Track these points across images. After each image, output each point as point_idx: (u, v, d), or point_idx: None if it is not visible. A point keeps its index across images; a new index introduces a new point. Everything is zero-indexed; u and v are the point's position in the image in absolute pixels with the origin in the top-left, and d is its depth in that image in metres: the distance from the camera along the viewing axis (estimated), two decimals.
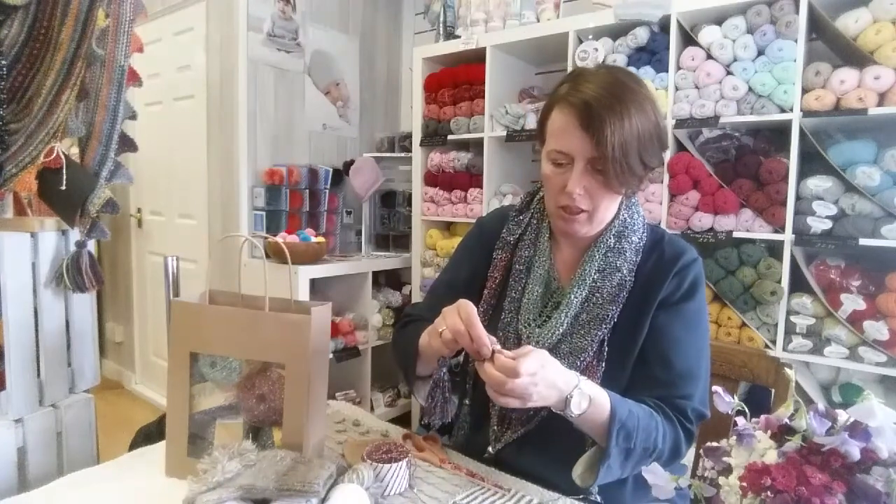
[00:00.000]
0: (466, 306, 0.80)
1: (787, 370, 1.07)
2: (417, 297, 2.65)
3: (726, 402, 0.57)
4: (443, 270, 1.13)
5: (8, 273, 1.27)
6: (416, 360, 0.93)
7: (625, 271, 0.92)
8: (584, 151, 0.84)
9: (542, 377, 0.74)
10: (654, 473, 0.58)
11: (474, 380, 1.02)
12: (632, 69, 1.87)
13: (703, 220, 1.84)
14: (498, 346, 0.77)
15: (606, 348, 0.91)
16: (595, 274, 0.93)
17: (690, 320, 0.92)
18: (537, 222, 1.01)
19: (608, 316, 0.90)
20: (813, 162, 1.69)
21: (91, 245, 1.41)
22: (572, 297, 0.92)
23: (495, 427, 0.97)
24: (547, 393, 0.75)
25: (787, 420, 0.52)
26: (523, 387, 0.73)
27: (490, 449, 0.96)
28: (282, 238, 2.27)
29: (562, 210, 0.90)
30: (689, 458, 0.98)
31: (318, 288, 2.54)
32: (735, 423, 0.55)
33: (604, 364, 0.90)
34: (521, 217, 1.03)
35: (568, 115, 0.84)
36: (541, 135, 0.92)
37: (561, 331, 0.92)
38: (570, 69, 2.07)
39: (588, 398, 0.78)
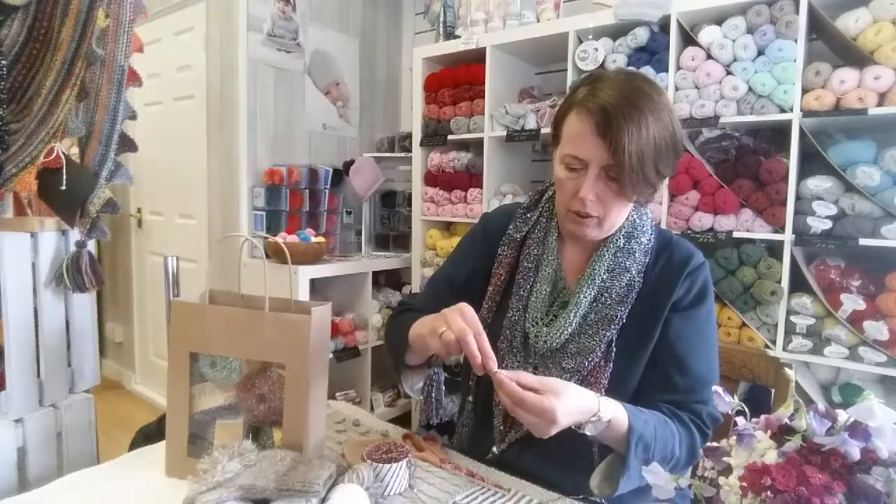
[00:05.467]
0: (472, 313, 0.79)
1: (787, 370, 1.07)
2: None
3: (726, 402, 0.57)
4: (444, 263, 1.12)
5: (8, 273, 1.27)
6: (405, 349, 0.93)
7: (634, 272, 0.92)
8: (600, 158, 0.83)
9: (562, 413, 0.72)
10: (655, 473, 0.58)
11: (478, 378, 1.02)
12: (631, 69, 1.87)
13: (703, 220, 1.84)
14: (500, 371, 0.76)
15: (614, 349, 0.90)
16: (604, 274, 0.93)
17: (703, 324, 0.92)
18: (546, 221, 1.01)
19: (617, 316, 0.90)
20: (813, 162, 1.69)
21: (91, 245, 1.41)
22: (581, 296, 0.92)
23: (500, 427, 0.97)
24: (567, 421, 0.74)
25: (787, 420, 0.52)
26: (548, 409, 0.71)
27: (494, 449, 0.96)
28: (282, 238, 2.27)
29: (572, 214, 0.90)
30: None
31: (318, 288, 2.53)
32: (735, 423, 0.55)
33: (611, 364, 0.90)
34: (528, 215, 1.02)
35: (584, 120, 0.84)
36: (555, 137, 0.92)
37: (569, 331, 0.91)
38: (570, 69, 2.07)
39: (606, 424, 0.77)
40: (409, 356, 0.95)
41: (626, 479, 0.78)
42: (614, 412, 0.79)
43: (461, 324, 0.78)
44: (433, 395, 0.87)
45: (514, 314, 0.96)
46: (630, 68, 1.93)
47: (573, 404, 0.74)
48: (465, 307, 0.80)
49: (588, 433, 0.77)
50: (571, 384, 0.77)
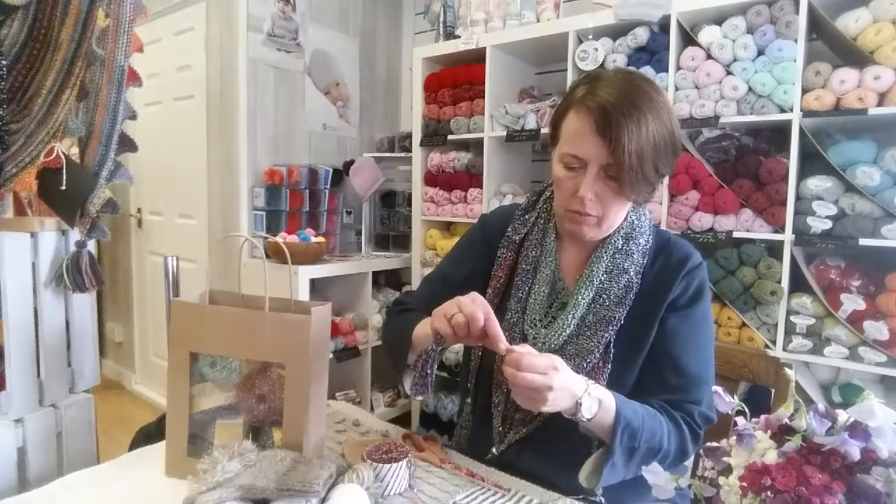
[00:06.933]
0: (482, 300, 0.81)
1: (787, 370, 1.07)
2: None
3: (726, 402, 0.57)
4: (441, 263, 1.12)
5: (8, 273, 1.27)
6: (408, 349, 0.93)
7: (632, 273, 0.92)
8: (599, 157, 0.83)
9: (559, 379, 0.74)
10: (655, 473, 0.58)
11: (476, 380, 1.02)
12: (630, 68, 1.87)
13: (703, 220, 1.84)
14: (511, 347, 0.78)
15: (612, 350, 0.90)
16: (602, 275, 0.93)
17: (699, 324, 0.92)
18: (544, 222, 1.00)
19: (615, 318, 0.90)
20: (813, 162, 1.69)
21: (91, 245, 1.41)
22: (579, 298, 0.92)
23: (499, 428, 0.97)
24: (562, 396, 0.75)
25: (787, 420, 0.52)
26: (534, 381, 0.73)
27: (494, 450, 0.96)
28: (282, 238, 2.27)
29: (571, 213, 0.89)
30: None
31: (318, 288, 2.54)
32: (735, 423, 0.55)
33: (610, 366, 0.90)
34: (526, 216, 1.02)
35: (584, 119, 0.83)
36: (553, 136, 0.92)
37: (568, 332, 0.92)
38: (570, 69, 2.07)
39: (598, 401, 0.78)
40: (412, 355, 0.94)
41: (611, 468, 0.79)
42: (602, 394, 0.80)
43: (472, 307, 0.79)
44: (427, 369, 0.85)
45: (513, 316, 0.96)
46: (630, 68, 1.93)
47: (564, 375, 0.76)
48: (477, 295, 0.81)
49: (585, 416, 0.77)
50: (561, 361, 0.78)
